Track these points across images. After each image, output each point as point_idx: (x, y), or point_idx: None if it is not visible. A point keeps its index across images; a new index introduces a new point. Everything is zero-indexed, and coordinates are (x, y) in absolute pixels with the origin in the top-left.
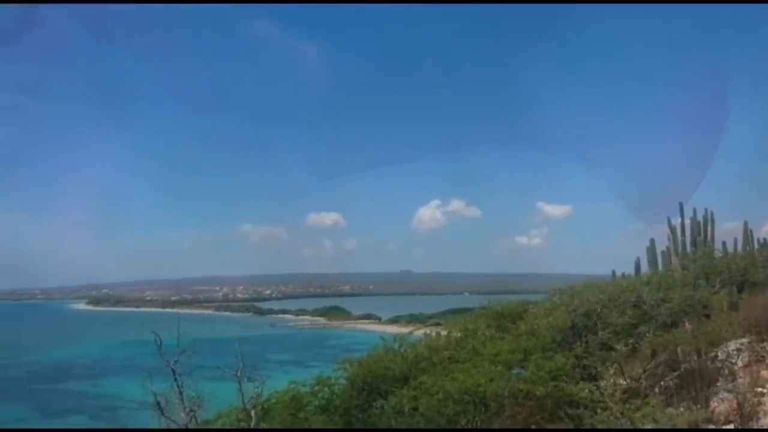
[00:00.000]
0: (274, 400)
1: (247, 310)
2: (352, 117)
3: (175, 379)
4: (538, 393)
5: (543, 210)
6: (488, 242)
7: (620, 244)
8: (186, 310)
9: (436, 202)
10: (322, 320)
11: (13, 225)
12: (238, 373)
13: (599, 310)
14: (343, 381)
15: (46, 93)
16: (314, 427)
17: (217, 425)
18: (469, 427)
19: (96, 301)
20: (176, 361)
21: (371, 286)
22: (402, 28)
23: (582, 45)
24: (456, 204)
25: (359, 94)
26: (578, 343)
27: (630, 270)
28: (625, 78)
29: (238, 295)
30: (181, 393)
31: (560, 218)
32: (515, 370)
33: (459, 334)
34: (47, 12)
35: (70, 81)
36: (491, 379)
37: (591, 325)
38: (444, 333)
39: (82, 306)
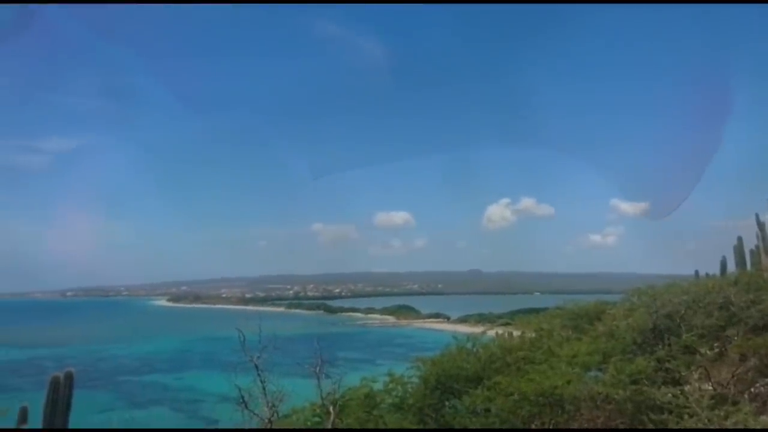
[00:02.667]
0: (348, 397)
1: (318, 308)
2: (418, 112)
3: (258, 375)
4: (617, 396)
5: (618, 207)
6: (560, 241)
7: (703, 242)
8: (259, 308)
9: (505, 200)
10: (391, 319)
11: (99, 227)
12: (317, 370)
13: (683, 311)
14: (415, 379)
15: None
16: (389, 424)
17: (293, 420)
18: (545, 428)
19: (176, 298)
20: (258, 357)
21: (440, 285)
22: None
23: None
24: (527, 202)
25: (416, 88)
26: (660, 346)
27: (715, 270)
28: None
29: (309, 294)
30: (264, 388)
31: (636, 215)
32: (593, 373)
33: (533, 335)
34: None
35: (161, 84)
36: (568, 381)
37: (674, 328)
38: (516, 333)
39: (162, 302)
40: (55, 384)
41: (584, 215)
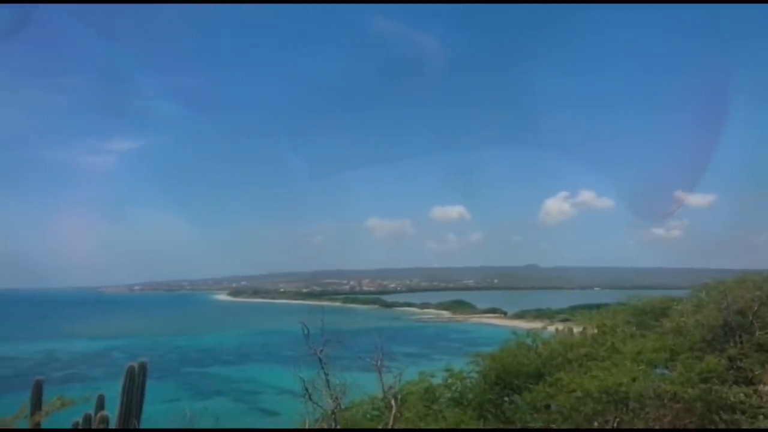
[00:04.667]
0: (407, 391)
1: (373, 302)
2: (476, 104)
3: (322, 367)
4: (686, 395)
5: (683, 199)
6: (621, 234)
7: None
8: (315, 302)
9: (564, 193)
10: (446, 314)
11: (164, 224)
12: (378, 364)
13: (756, 308)
14: (474, 375)
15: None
16: (448, 419)
17: (353, 413)
18: (608, 427)
19: (236, 293)
20: (321, 350)
21: (495, 280)
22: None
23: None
24: (586, 194)
25: (475, 84)
26: (731, 344)
27: None
28: None
29: (365, 288)
30: (327, 380)
31: (703, 208)
32: (659, 370)
33: (594, 331)
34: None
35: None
36: (634, 379)
37: (746, 325)
38: (577, 329)
39: (223, 297)
40: (130, 373)
41: (646, 207)
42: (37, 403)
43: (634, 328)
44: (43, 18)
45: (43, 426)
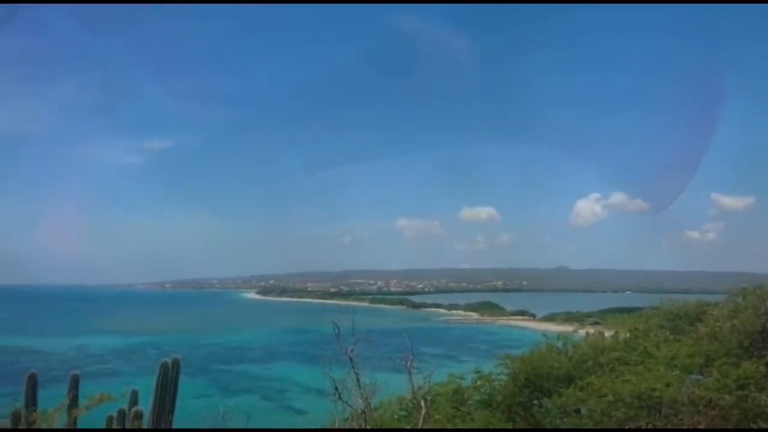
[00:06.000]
0: (435, 392)
1: (401, 303)
2: (503, 103)
3: (353, 367)
4: (722, 402)
5: (719, 201)
6: (654, 237)
7: None
8: (343, 302)
9: (595, 195)
10: (474, 315)
11: (195, 223)
12: (408, 364)
13: None
14: (503, 377)
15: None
16: (477, 421)
17: (381, 414)
18: (646, 428)
19: (264, 291)
20: (352, 350)
21: (524, 282)
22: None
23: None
24: (618, 196)
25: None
26: None
27: None
28: None
29: (392, 289)
30: (358, 380)
31: (739, 211)
32: (694, 376)
33: (627, 335)
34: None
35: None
36: (667, 384)
37: None
38: (608, 333)
39: (251, 295)
40: (164, 369)
41: (681, 210)
42: (74, 398)
43: (668, 332)
44: (70, 19)
45: (81, 419)
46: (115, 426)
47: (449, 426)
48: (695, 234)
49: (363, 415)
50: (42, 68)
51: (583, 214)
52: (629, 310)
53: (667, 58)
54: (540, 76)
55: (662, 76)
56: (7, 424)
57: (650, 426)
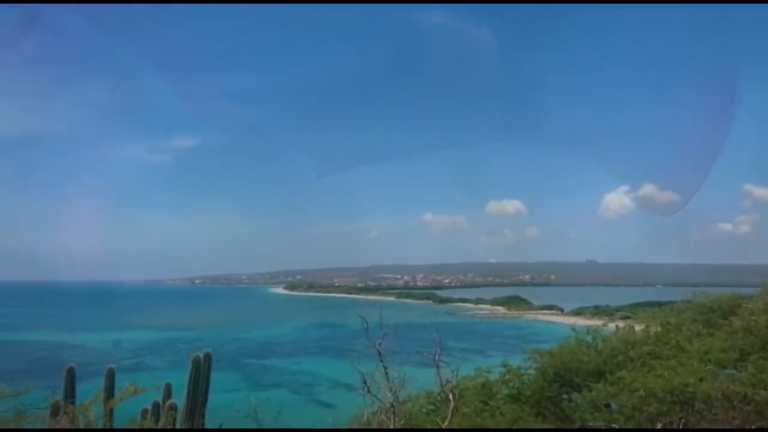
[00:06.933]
0: (463, 386)
1: (427, 298)
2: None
3: (381, 360)
4: (758, 397)
5: (752, 193)
6: (685, 230)
7: None
8: (370, 297)
9: (624, 187)
10: (501, 310)
11: (224, 219)
12: (436, 358)
13: None
14: (531, 371)
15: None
16: (506, 415)
17: (408, 407)
18: (672, 428)
19: (292, 286)
20: (380, 344)
21: (552, 276)
22: None
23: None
24: (648, 189)
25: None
26: None
27: None
28: None
29: (419, 283)
30: (387, 374)
31: None
32: (728, 371)
33: (658, 329)
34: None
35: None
36: (701, 379)
37: None
38: (639, 327)
39: (279, 290)
40: (196, 363)
41: (713, 202)
42: (110, 390)
43: (701, 326)
44: (95, 22)
45: (116, 411)
46: (149, 418)
47: (478, 420)
48: (728, 226)
49: (392, 409)
50: (69, 70)
51: (612, 207)
52: (660, 304)
53: (690, 51)
54: (561, 73)
55: (686, 69)
56: (46, 414)
57: (683, 421)
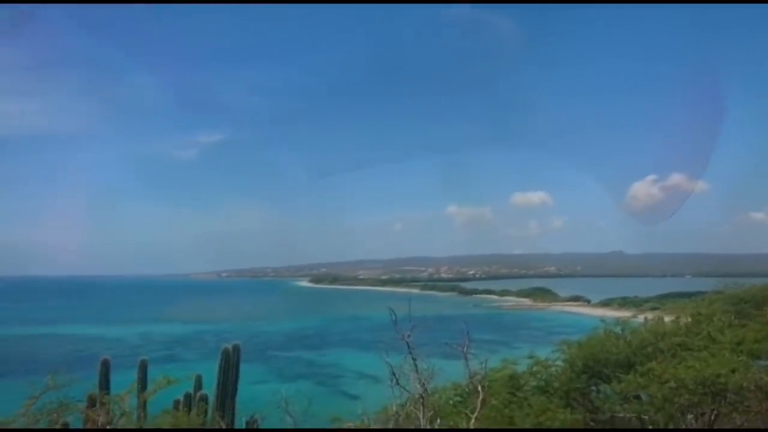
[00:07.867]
0: (490, 378)
1: (452, 289)
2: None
3: (410, 352)
4: None
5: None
6: (715, 220)
7: None
8: (394, 289)
9: (651, 176)
10: (527, 301)
11: (250, 214)
12: (464, 350)
13: None
14: (559, 363)
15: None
16: (534, 406)
17: (436, 399)
18: (705, 419)
19: (316, 279)
20: (409, 336)
21: (578, 267)
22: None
23: None
24: (676, 178)
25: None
26: None
27: None
28: None
29: (443, 275)
30: (416, 365)
31: None
32: (762, 362)
33: (688, 320)
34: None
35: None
36: (733, 370)
37: None
38: (668, 318)
39: (304, 283)
40: (226, 355)
41: (745, 190)
42: (143, 381)
43: (733, 317)
44: (124, 20)
45: (150, 402)
46: (182, 408)
47: (506, 412)
48: (760, 215)
49: (421, 400)
50: (101, 69)
51: (639, 197)
52: (689, 295)
53: (711, 46)
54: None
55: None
56: (82, 406)
57: (714, 413)
